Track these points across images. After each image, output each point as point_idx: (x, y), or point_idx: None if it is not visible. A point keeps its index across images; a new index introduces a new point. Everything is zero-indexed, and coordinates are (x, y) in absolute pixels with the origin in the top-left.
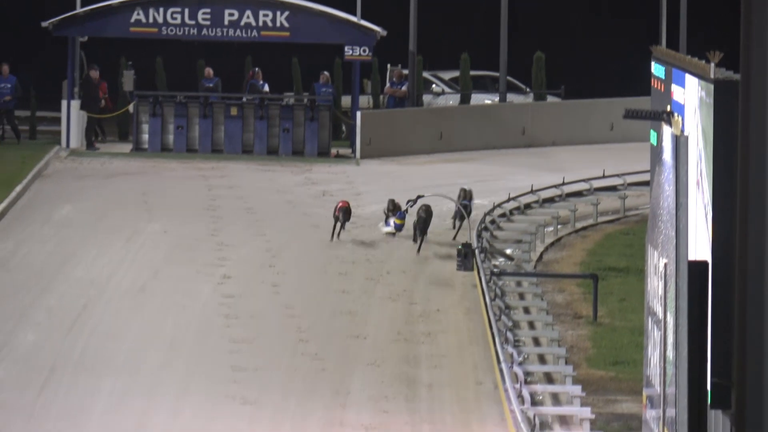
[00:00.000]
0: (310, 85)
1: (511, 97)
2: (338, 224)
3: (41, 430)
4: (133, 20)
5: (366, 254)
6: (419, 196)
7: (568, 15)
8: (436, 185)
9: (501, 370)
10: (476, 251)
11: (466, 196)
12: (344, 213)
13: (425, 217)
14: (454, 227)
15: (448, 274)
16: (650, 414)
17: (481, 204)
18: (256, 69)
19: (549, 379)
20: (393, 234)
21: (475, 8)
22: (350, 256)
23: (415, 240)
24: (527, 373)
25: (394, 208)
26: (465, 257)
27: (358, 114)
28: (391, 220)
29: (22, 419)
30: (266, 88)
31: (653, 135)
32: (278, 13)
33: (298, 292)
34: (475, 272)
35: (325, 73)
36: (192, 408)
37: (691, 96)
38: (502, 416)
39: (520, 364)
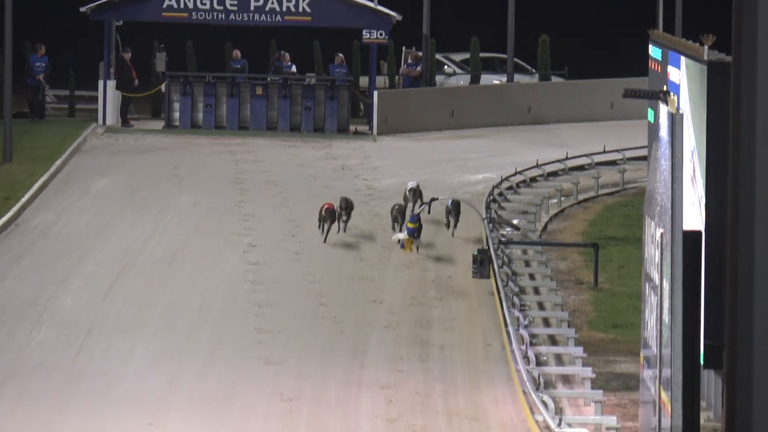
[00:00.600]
0: (327, 66)
1: (518, 78)
2: (325, 225)
3: (78, 388)
4: (165, 6)
5: (382, 224)
6: (433, 199)
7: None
8: (448, 159)
9: (508, 333)
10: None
11: (415, 195)
12: (330, 214)
13: (457, 204)
14: (447, 226)
15: (458, 243)
16: (647, 373)
17: (489, 177)
18: (283, 52)
19: (553, 341)
20: (406, 243)
21: None
22: (367, 226)
23: (447, 226)
24: (532, 336)
25: (399, 215)
26: (481, 264)
27: (375, 93)
28: (402, 231)
29: (60, 378)
30: (293, 68)
31: (650, 113)
32: None
33: (318, 259)
34: (484, 241)
35: (340, 54)
36: (219, 368)
37: (686, 76)
38: (509, 376)
39: (525, 327)
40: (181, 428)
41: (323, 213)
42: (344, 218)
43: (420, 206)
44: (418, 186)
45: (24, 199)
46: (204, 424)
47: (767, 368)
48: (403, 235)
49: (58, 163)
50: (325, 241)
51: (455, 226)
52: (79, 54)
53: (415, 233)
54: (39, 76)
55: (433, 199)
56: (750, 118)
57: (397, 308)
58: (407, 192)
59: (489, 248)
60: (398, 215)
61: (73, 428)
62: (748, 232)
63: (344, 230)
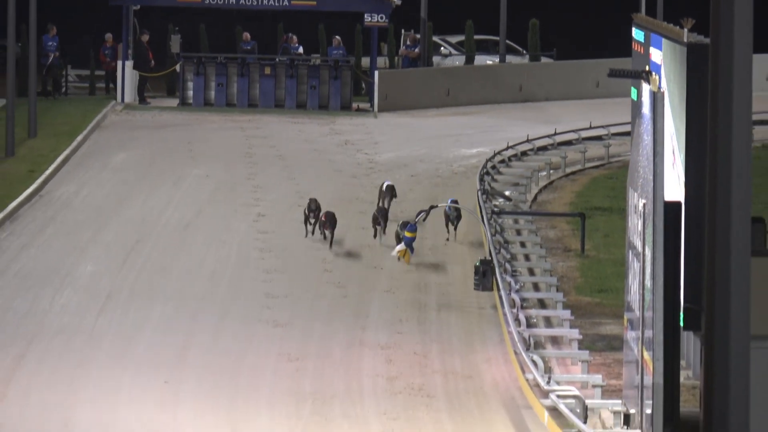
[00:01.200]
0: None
1: (510, 59)
2: (308, 223)
3: (98, 349)
4: None
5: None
6: (432, 207)
7: None
8: (445, 135)
9: (500, 297)
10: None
11: (390, 193)
12: (316, 212)
13: (457, 210)
14: (448, 230)
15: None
16: (630, 335)
17: (483, 151)
18: (290, 34)
19: (542, 304)
20: (402, 255)
21: None
22: (368, 197)
23: (448, 231)
24: (523, 300)
25: (381, 217)
26: (484, 275)
27: (376, 73)
28: (398, 247)
29: (81, 340)
30: (300, 50)
31: (634, 91)
32: None
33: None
34: (477, 211)
35: (337, 37)
36: (230, 330)
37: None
38: (501, 337)
39: (517, 291)
40: (195, 386)
41: (306, 212)
42: (312, 221)
43: (418, 215)
44: (392, 186)
45: (47, 172)
46: (216, 383)
47: (743, 329)
48: (400, 247)
49: (79, 138)
50: (306, 236)
51: (455, 229)
52: (98, 37)
53: (412, 243)
54: (52, 53)
55: (432, 207)
56: (726, 97)
57: (396, 274)
58: (383, 189)
59: (492, 259)
60: (380, 218)
61: (94, 387)
62: (725, 202)
63: (313, 233)
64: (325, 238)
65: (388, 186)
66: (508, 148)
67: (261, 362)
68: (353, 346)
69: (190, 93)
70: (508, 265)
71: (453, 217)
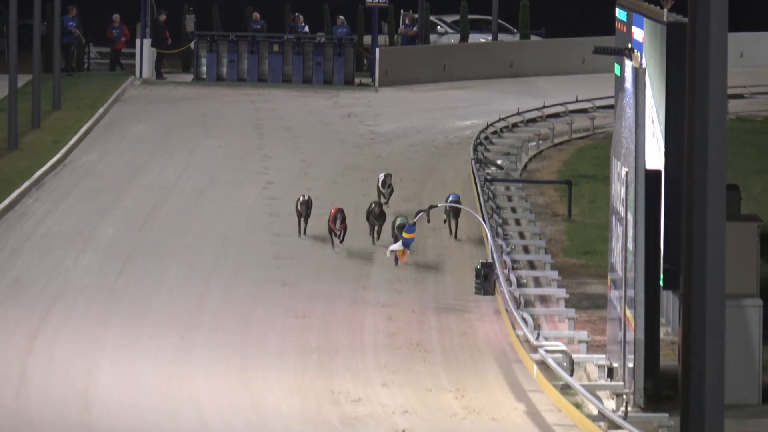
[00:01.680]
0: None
1: (502, 37)
2: (301, 219)
3: (119, 307)
4: None
5: (383, 165)
6: (431, 207)
7: None
8: (441, 108)
9: (493, 259)
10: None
11: (385, 183)
12: (306, 207)
13: (457, 209)
14: (450, 230)
15: (449, 180)
16: (614, 294)
17: (476, 123)
18: (297, 14)
19: (531, 265)
20: (400, 255)
21: None
22: (370, 166)
23: (450, 229)
24: (514, 261)
25: (374, 217)
26: (485, 279)
27: (377, 50)
28: (394, 246)
29: (103, 298)
30: (306, 29)
31: (617, 67)
32: None
33: (328, 195)
34: (472, 178)
35: (341, 17)
36: (241, 290)
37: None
38: (493, 296)
39: (508, 253)
40: (208, 341)
41: (299, 208)
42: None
43: (417, 215)
44: (389, 177)
45: (71, 142)
46: (227, 339)
47: (718, 289)
48: (397, 246)
49: (100, 110)
50: (299, 236)
51: (456, 226)
52: (107, 17)
53: (410, 244)
54: (73, 30)
55: (431, 207)
56: (703, 72)
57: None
58: (379, 184)
59: (494, 262)
60: (373, 218)
61: (114, 342)
62: (702, 171)
63: (304, 231)
64: (342, 241)
65: (385, 178)
66: (499, 120)
67: (270, 319)
68: (356, 305)
69: (204, 69)
70: (500, 229)
71: (452, 215)
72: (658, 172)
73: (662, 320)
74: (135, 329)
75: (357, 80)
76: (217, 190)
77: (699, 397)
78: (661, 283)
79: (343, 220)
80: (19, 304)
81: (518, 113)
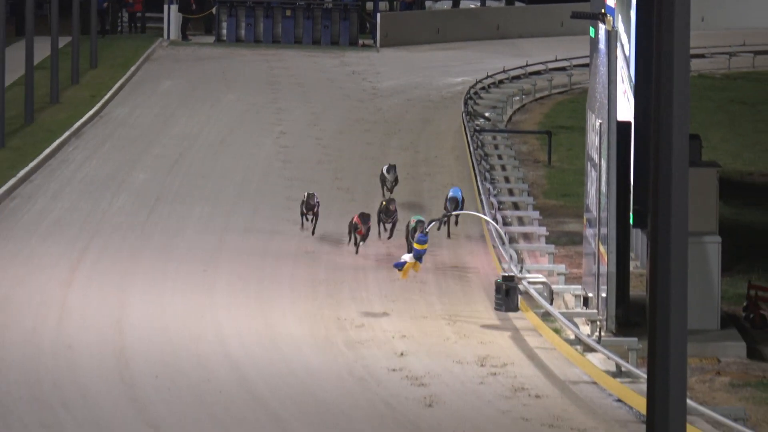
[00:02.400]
0: None
1: (489, 3)
2: (304, 218)
3: (149, 243)
4: None
5: (384, 116)
6: (446, 215)
7: None
8: (435, 66)
9: (481, 200)
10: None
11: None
12: (311, 208)
13: (455, 200)
14: (448, 221)
15: (443, 130)
16: (589, 232)
17: (467, 80)
18: None
19: (516, 206)
20: (412, 267)
21: None
22: (372, 118)
23: (447, 219)
24: (500, 202)
25: (384, 215)
26: (507, 294)
27: (378, 15)
28: (405, 257)
29: (135, 235)
30: None
31: (592, 30)
32: None
33: (334, 143)
34: (462, 129)
35: None
36: (257, 228)
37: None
38: (482, 233)
39: (494, 195)
40: (228, 274)
41: (304, 209)
42: (308, 217)
43: (430, 224)
44: (393, 168)
45: (106, 97)
46: (246, 271)
47: (682, 227)
48: (408, 258)
49: (132, 68)
50: (301, 229)
51: (456, 223)
52: None
53: (422, 256)
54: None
55: (446, 215)
56: (668, 34)
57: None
58: (384, 173)
59: (466, 134)
60: (384, 215)
61: (144, 273)
62: (667, 122)
63: (307, 229)
64: (363, 242)
65: (389, 169)
66: (487, 77)
67: (283, 254)
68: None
69: (224, 31)
70: (487, 174)
71: (452, 208)
72: (628, 123)
73: (632, 255)
74: (163, 263)
75: (360, 42)
76: (236, 140)
77: (665, 324)
78: (631, 222)
79: (367, 221)
80: (60, 241)
81: (504, 71)
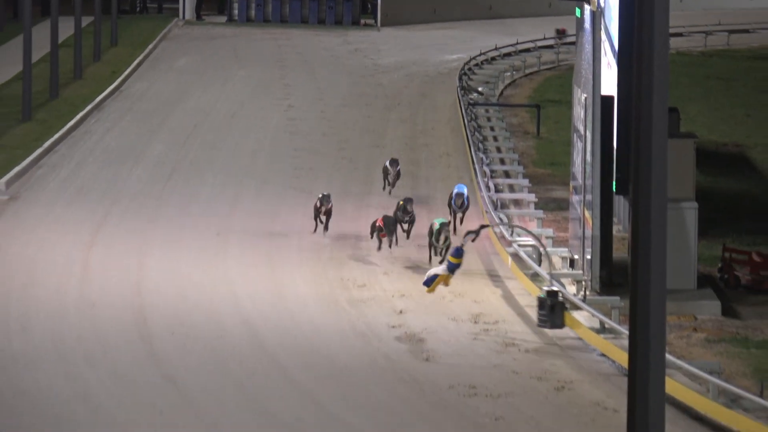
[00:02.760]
0: None
1: None
2: (318, 221)
3: (166, 209)
4: None
5: (384, 91)
6: (482, 227)
7: None
8: (432, 44)
9: (475, 169)
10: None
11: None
12: (327, 215)
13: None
14: (454, 222)
15: (439, 104)
16: (575, 198)
17: (461, 57)
18: None
19: (507, 174)
20: (444, 280)
21: None
22: (373, 92)
23: (453, 217)
24: (492, 171)
25: (440, 238)
26: (552, 310)
27: None
28: (441, 266)
29: (153, 202)
30: None
31: (578, 11)
32: None
33: (338, 115)
34: (457, 102)
35: None
36: (267, 194)
37: None
38: (475, 199)
39: (487, 164)
40: (240, 237)
41: (317, 211)
42: (322, 218)
43: (466, 236)
44: (395, 162)
45: (126, 72)
46: (256, 235)
47: (662, 193)
48: (441, 270)
49: (150, 46)
50: (314, 231)
51: (461, 222)
52: None
53: (456, 269)
54: None
55: (482, 227)
56: (649, 14)
57: (395, 151)
58: (387, 166)
59: (461, 107)
60: (401, 213)
61: (161, 236)
62: (648, 96)
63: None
64: (389, 246)
65: (392, 162)
66: (480, 54)
67: (291, 219)
68: (362, 207)
69: (236, 12)
70: (480, 145)
71: (458, 204)
72: (612, 97)
73: (615, 220)
74: (179, 228)
75: (362, 21)
76: (246, 113)
77: (645, 284)
78: (614, 189)
79: (389, 225)
80: (83, 207)
81: (496, 49)
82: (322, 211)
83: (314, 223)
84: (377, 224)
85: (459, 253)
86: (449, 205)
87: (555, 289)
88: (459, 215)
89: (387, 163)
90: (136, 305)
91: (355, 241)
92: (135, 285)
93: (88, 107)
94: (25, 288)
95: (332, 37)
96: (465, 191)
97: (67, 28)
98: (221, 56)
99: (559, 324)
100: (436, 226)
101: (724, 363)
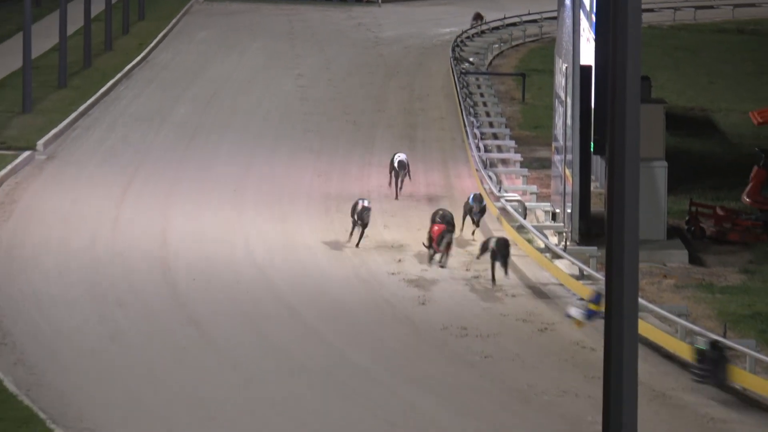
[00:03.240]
0: None
1: None
2: (356, 228)
3: (187, 169)
4: None
5: (385, 61)
6: (566, 235)
7: None
8: (428, 19)
9: (466, 132)
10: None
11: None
12: (362, 214)
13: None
14: (463, 224)
15: (434, 73)
16: (557, 158)
17: (454, 30)
18: None
19: (495, 136)
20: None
21: None
22: (375, 62)
23: (474, 221)
24: (482, 133)
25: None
26: (715, 364)
27: None
28: (577, 310)
29: (176, 162)
30: None
31: None
32: None
33: (343, 83)
34: (450, 71)
35: None
36: (280, 155)
37: None
38: (467, 159)
39: (477, 127)
40: (254, 193)
41: (355, 212)
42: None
43: (596, 299)
44: (404, 164)
45: (152, 44)
46: (269, 190)
47: (635, 153)
48: (579, 315)
49: (173, 20)
50: (349, 240)
51: (477, 224)
52: None
53: (594, 317)
54: None
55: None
56: None
57: (394, 115)
58: (395, 165)
59: (454, 76)
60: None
61: (185, 195)
62: (622, 65)
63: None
64: (442, 259)
65: (400, 162)
66: (471, 28)
67: (301, 175)
68: (364, 165)
69: None
70: (471, 110)
71: (476, 211)
72: (590, 67)
73: (592, 177)
74: (200, 184)
75: None
76: (260, 80)
77: (620, 234)
78: (592, 150)
79: (449, 241)
80: (114, 166)
81: (485, 23)
82: (359, 218)
83: (351, 229)
84: (434, 233)
85: (598, 300)
86: (465, 207)
87: (718, 338)
88: (475, 220)
89: (470, 200)
90: (162, 254)
91: (359, 194)
92: (160, 236)
93: (118, 75)
94: (62, 239)
95: (338, 12)
96: (479, 196)
97: (99, 4)
98: (238, 30)
99: (723, 380)
100: (491, 244)
101: (690, 307)
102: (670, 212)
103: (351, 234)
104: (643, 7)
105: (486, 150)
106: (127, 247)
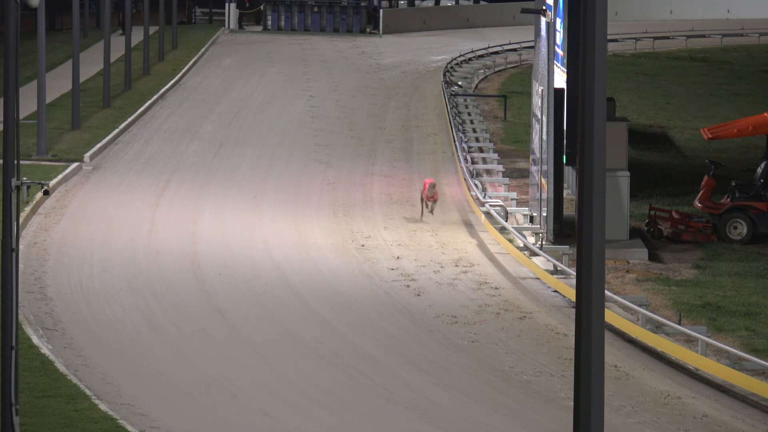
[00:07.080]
0: None
1: (462, 2)
2: (423, 205)
3: (215, 176)
4: None
5: (385, 84)
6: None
7: None
8: (422, 48)
9: (456, 146)
10: (443, 83)
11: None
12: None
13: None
14: (422, 210)
15: (428, 94)
16: (534, 168)
17: (445, 58)
18: None
19: (480, 150)
20: None
21: None
22: (376, 85)
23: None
24: (469, 147)
25: None
26: None
27: (381, 10)
28: None
29: (204, 171)
30: None
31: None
32: None
33: (349, 104)
34: (442, 93)
35: None
36: (294, 165)
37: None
38: (456, 170)
39: (465, 142)
40: (272, 199)
41: (423, 196)
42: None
43: None
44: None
45: (184, 70)
46: (285, 197)
47: (602, 164)
48: None
49: (202, 49)
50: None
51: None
52: None
53: None
54: None
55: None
56: (591, 22)
57: (393, 131)
58: (426, 192)
59: (445, 97)
60: None
61: (211, 199)
62: (591, 88)
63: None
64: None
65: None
66: (460, 56)
67: (311, 184)
68: (367, 174)
69: (270, 22)
70: (460, 126)
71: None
72: (563, 90)
73: (565, 185)
74: (225, 191)
75: (368, 30)
76: (277, 101)
77: (588, 235)
78: (564, 161)
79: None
80: (150, 174)
81: (472, 52)
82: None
83: (420, 207)
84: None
85: None
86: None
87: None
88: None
89: (426, 188)
90: (191, 252)
91: (363, 200)
92: (190, 236)
93: (154, 97)
94: (105, 239)
95: (344, 42)
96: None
97: (138, 35)
98: (258, 57)
99: None
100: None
101: (650, 297)
102: (632, 215)
103: (422, 212)
104: (609, 37)
105: (473, 161)
106: (162, 245)
